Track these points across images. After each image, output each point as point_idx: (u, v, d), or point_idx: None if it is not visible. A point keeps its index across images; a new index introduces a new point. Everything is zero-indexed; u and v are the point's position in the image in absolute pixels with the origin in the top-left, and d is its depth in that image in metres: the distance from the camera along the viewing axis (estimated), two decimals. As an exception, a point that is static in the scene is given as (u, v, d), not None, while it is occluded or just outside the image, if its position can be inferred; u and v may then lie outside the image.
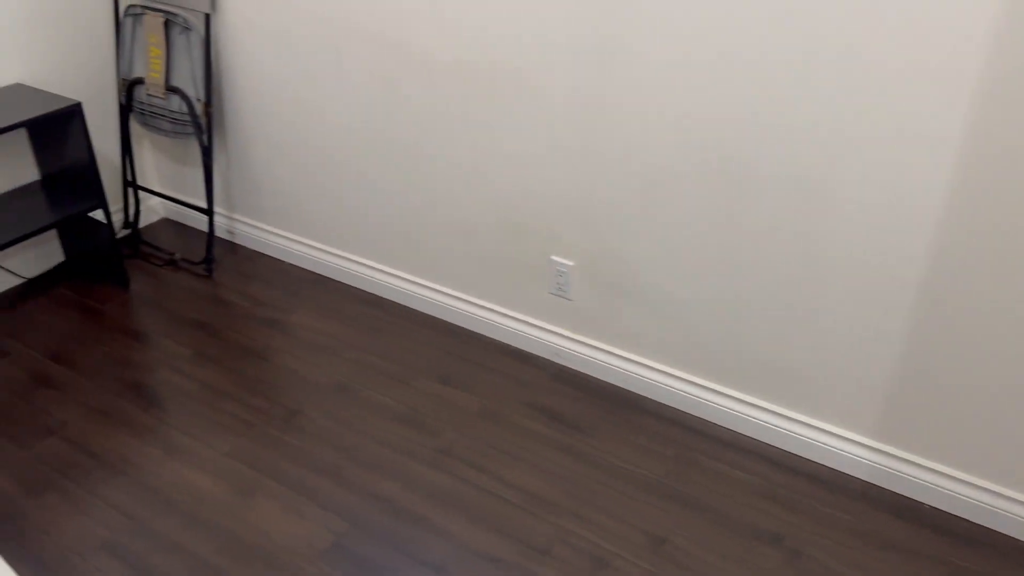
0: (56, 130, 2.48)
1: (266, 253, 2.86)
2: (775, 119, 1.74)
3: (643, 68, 1.84)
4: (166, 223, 3.05)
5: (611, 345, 2.26)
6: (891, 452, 1.95)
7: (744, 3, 1.66)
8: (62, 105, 2.34)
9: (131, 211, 2.94)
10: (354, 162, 2.46)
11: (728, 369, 2.10)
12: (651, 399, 2.24)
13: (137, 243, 2.91)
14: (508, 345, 2.43)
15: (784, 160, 1.77)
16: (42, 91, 2.44)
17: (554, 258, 2.22)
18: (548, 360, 2.38)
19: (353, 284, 2.69)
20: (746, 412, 2.11)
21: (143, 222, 3.01)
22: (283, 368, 2.34)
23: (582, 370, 2.33)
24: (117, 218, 2.91)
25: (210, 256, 2.74)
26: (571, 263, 2.20)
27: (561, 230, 2.17)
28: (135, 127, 2.89)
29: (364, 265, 2.64)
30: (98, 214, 2.61)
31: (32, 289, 2.66)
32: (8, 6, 2.43)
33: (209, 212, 2.70)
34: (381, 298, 2.64)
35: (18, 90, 2.45)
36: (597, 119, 1.96)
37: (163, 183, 3.02)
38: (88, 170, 2.47)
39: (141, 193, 2.98)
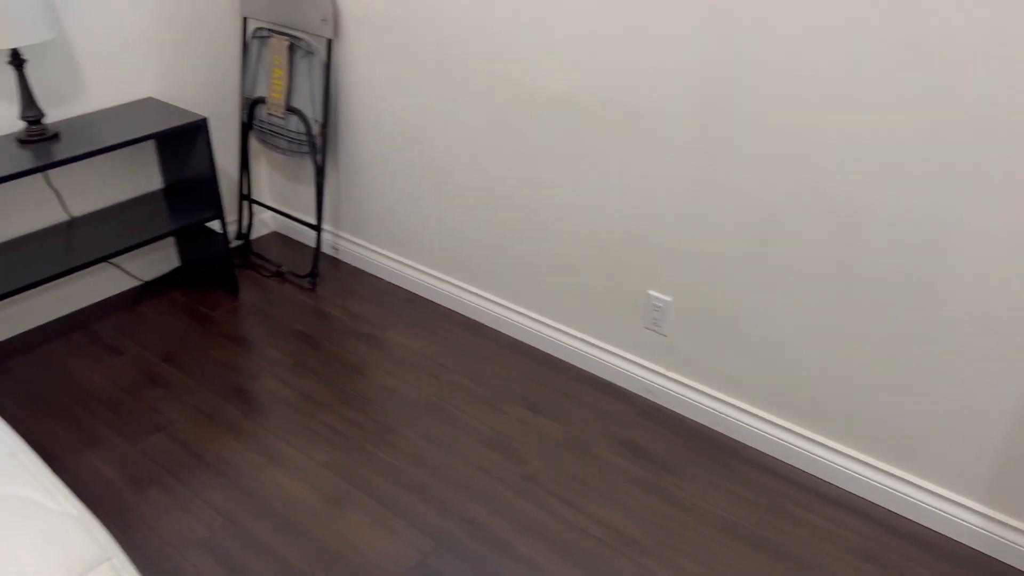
0: (182, 143, 2.61)
1: (368, 271, 2.93)
2: (896, 161, 1.68)
3: (756, 107, 1.81)
4: (275, 236, 3.16)
5: (706, 385, 2.21)
6: (1003, 520, 1.84)
7: (864, 37, 1.62)
8: (190, 120, 2.46)
9: (244, 223, 3.06)
10: (460, 189, 2.50)
11: (831, 420, 2.02)
12: (746, 444, 2.18)
13: (248, 253, 3.02)
14: (599, 377, 2.41)
15: (904, 207, 1.70)
16: (171, 105, 2.58)
17: (651, 292, 2.20)
18: (638, 395, 2.34)
19: (450, 306, 2.72)
20: (848, 466, 2.02)
21: (254, 234, 3.13)
22: (379, 384, 2.38)
23: (674, 408, 2.29)
24: (231, 229, 3.04)
25: (315, 271, 2.82)
26: (668, 299, 2.17)
27: (661, 265, 2.15)
28: (253, 144, 3.02)
29: (462, 288, 2.67)
30: (214, 224, 2.73)
31: (148, 292, 2.80)
32: (145, 25, 2.58)
33: (317, 229, 2.79)
34: (476, 322, 2.66)
35: (149, 104, 2.60)
36: (705, 157, 1.94)
37: (275, 198, 3.13)
38: (209, 182, 2.59)
39: (254, 206, 3.10)
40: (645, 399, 2.33)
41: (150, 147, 2.73)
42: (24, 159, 2.20)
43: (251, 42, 2.74)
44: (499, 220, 2.45)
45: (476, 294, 2.64)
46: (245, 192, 2.97)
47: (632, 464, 2.11)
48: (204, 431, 2.19)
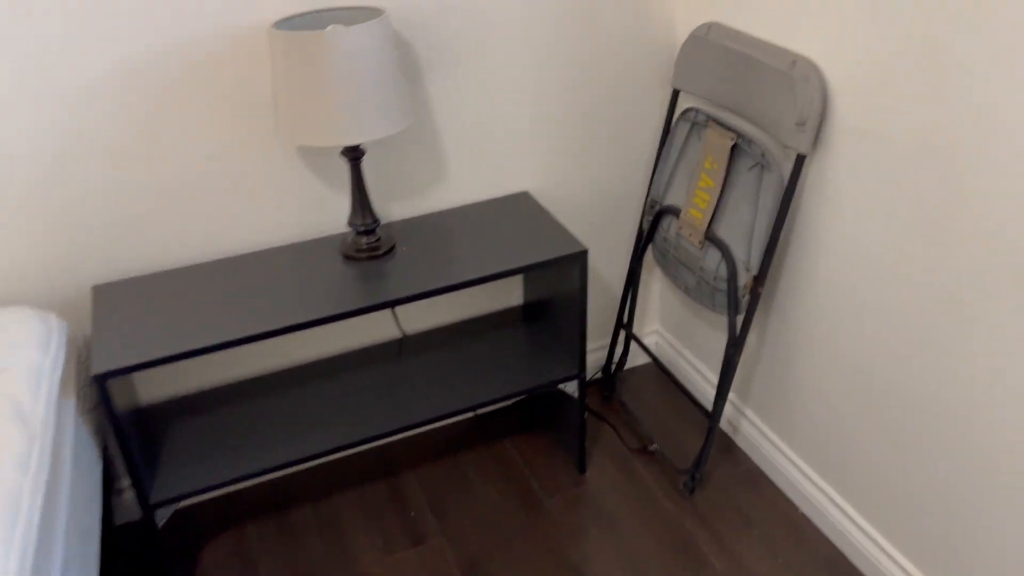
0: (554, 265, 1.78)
1: (775, 482, 1.86)
2: None
3: None
4: (653, 372, 2.23)
5: None
6: None
7: None
8: (563, 252, 1.61)
9: (617, 352, 2.18)
10: (975, 443, 1.31)
11: None
12: None
13: (612, 391, 2.15)
14: None
15: None
16: (547, 213, 1.74)
17: None
18: None
19: (904, 610, 1.57)
20: None
21: (629, 363, 2.24)
22: None
23: None
24: (598, 356, 2.18)
25: (698, 470, 1.84)
26: None
27: None
28: (648, 258, 2.11)
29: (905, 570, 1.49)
30: (570, 386, 1.86)
31: (480, 427, 2.06)
32: (536, 97, 1.76)
33: (714, 418, 1.79)
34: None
35: (520, 204, 1.78)
36: None
37: (666, 322, 2.20)
38: (574, 329, 1.73)
39: (635, 333, 2.20)
40: None
41: (516, 250, 1.95)
42: (348, 288, 1.53)
43: (677, 125, 1.79)
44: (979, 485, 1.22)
45: (964, 619, 1.44)
46: (625, 319, 2.07)
47: None
48: None
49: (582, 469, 1.92)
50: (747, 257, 1.62)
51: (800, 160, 1.49)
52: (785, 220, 1.57)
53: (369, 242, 1.62)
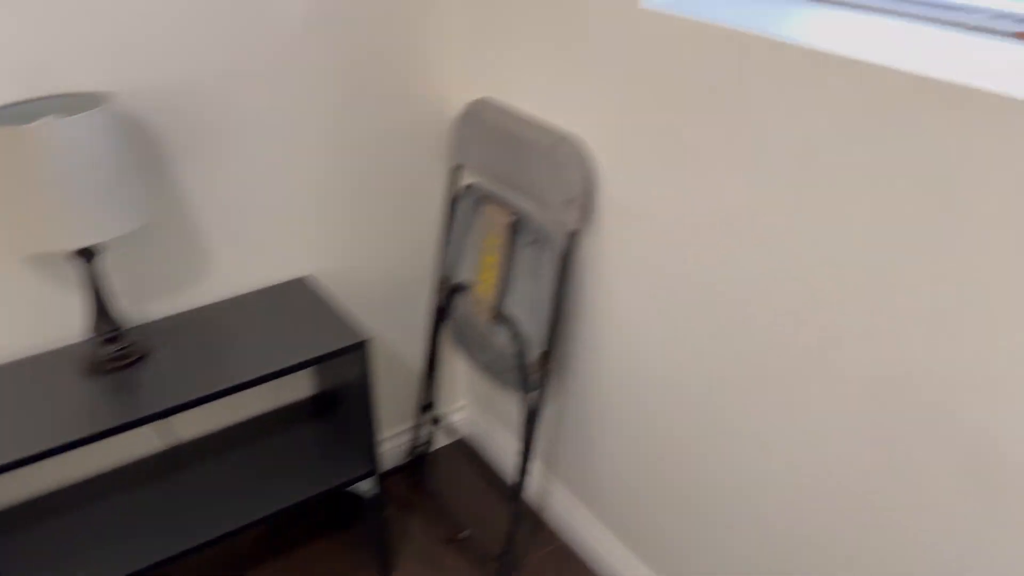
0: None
1: (583, 557, 1.82)
2: None
3: None
4: (464, 450, 2.15)
5: None
6: None
7: None
8: (340, 345, 1.49)
9: (422, 434, 2.08)
10: (755, 507, 1.32)
11: None
12: None
13: (420, 475, 2.04)
14: None
15: None
16: (324, 301, 1.63)
17: None
18: None
19: None
20: None
21: (435, 444, 2.15)
22: None
23: None
24: (404, 440, 2.07)
25: (509, 554, 1.76)
26: None
27: None
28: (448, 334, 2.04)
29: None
30: (364, 485, 1.74)
31: (273, 535, 1.88)
32: (307, 177, 1.66)
33: (515, 495, 1.72)
34: None
35: (295, 292, 1.66)
36: None
37: (473, 397, 2.13)
38: (364, 423, 1.62)
39: (439, 414, 2.11)
40: None
41: (302, 338, 1.81)
42: (90, 407, 1.33)
43: (461, 201, 1.74)
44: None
45: None
46: (428, 400, 1.98)
47: None
48: None
49: (387, 572, 1.79)
50: (535, 333, 1.59)
51: (572, 236, 1.48)
52: (565, 295, 1.55)
53: (116, 351, 1.43)
